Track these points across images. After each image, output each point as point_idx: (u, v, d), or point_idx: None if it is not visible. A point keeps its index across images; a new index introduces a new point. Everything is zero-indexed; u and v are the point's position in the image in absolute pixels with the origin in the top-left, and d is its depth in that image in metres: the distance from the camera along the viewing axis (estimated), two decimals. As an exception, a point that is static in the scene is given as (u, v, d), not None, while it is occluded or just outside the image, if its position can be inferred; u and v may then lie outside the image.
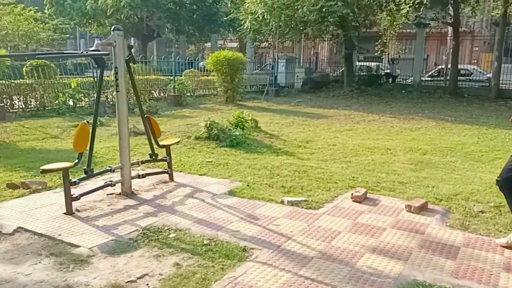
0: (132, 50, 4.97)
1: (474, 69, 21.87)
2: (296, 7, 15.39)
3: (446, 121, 12.14)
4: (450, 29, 20.81)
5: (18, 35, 23.21)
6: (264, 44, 20.48)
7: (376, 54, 22.80)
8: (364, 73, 21.75)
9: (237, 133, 7.95)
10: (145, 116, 5.37)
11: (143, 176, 5.30)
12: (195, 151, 7.51)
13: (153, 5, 22.61)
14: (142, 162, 5.31)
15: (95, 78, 13.05)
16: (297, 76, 21.24)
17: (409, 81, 22.96)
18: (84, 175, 4.68)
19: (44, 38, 25.61)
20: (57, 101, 12.10)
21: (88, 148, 4.69)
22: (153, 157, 5.50)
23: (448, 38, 21.94)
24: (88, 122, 4.72)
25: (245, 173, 6.19)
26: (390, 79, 22.14)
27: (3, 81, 11.23)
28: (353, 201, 4.98)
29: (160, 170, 5.75)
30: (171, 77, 15.58)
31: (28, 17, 22.97)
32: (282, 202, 4.88)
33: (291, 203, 4.82)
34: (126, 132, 4.97)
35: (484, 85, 20.50)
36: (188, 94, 15.14)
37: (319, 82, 21.07)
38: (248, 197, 5.08)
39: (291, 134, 9.75)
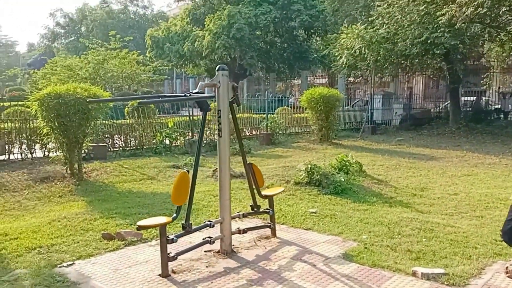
0: (243, 89, 4.48)
1: None
2: (396, 40, 14.41)
3: None
4: None
5: (122, 77, 24.78)
6: (357, 79, 19.56)
7: (483, 88, 20.75)
8: (470, 109, 19.77)
9: (342, 179, 7.10)
10: (248, 163, 4.79)
11: (244, 231, 4.67)
12: (296, 198, 6.78)
13: (246, 45, 22.97)
14: (244, 216, 4.70)
15: (191, 117, 13.09)
16: (395, 113, 19.90)
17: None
18: (182, 231, 4.16)
19: (145, 79, 27.15)
20: (154, 140, 12.23)
21: (187, 200, 4.19)
22: (255, 209, 4.87)
23: None
24: (188, 171, 4.24)
25: (358, 229, 5.30)
26: (502, 115, 19.86)
27: (106, 122, 11.61)
28: (508, 276, 3.87)
29: (262, 224, 5.09)
30: (263, 115, 15.25)
31: (131, 60, 24.48)
32: (414, 274, 3.92)
33: (427, 277, 3.85)
34: (227, 182, 4.41)
35: None
36: (280, 132, 14.63)
37: (420, 118, 19.50)
38: (369, 264, 4.19)
39: (401, 179, 8.65)
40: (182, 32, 26.65)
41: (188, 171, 4.26)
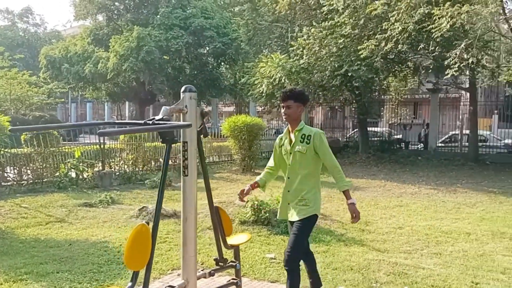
0: (205, 119, 3.63)
1: (489, 134, 21.15)
2: (314, 71, 14.57)
3: (495, 193, 10.90)
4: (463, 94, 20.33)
5: (10, 99, 21.91)
6: (273, 109, 19.49)
7: (392, 120, 22.12)
8: (376, 139, 20.80)
9: (292, 217, 6.45)
10: (215, 206, 3.91)
11: (211, 293, 3.74)
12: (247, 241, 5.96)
13: (156, 69, 21.81)
14: (211, 274, 3.76)
15: (102, 146, 11.61)
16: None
17: (419, 147, 22.11)
18: (138, 304, 3.11)
19: (37, 102, 24.37)
20: (57, 173, 10.53)
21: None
22: (221, 263, 3.97)
23: (462, 103, 21.44)
24: (147, 223, 3.24)
25: (330, 277, 4.68)
26: (403, 145, 21.19)
27: (-1, 151, 9.71)
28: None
29: (227, 281, 4.18)
30: (179, 143, 14.20)
31: (21, 81, 21.81)
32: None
33: None
34: (193, 234, 3.48)
35: (501, 152, 19.68)
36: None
37: (331, 147, 19.96)
38: (367, 326, 3.54)
39: (340, 212, 8.29)
40: (82, 53, 24.55)
41: (147, 223, 3.26)
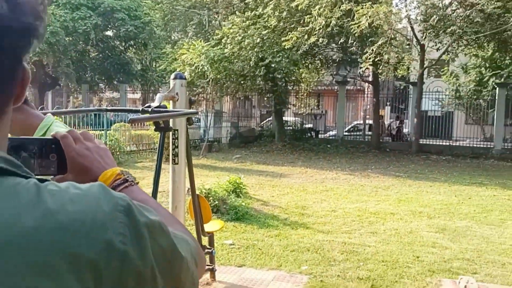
0: (192, 107, 3.60)
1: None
2: (236, 60, 14.74)
3: (402, 177, 12.15)
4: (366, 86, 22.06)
5: None
6: (195, 96, 19.29)
7: (305, 110, 23.16)
8: (288, 128, 21.70)
9: (242, 203, 6.63)
10: (197, 194, 3.91)
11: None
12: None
13: (61, 51, 20.20)
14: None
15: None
16: (227, 131, 20.33)
17: (327, 135, 23.57)
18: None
19: None
20: None
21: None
22: (200, 251, 3.99)
23: (366, 95, 23.20)
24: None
25: (291, 259, 4.93)
26: (314, 134, 22.41)
27: None
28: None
29: (203, 267, 4.20)
30: (99, 132, 13.51)
31: None
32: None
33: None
34: (183, 222, 3.46)
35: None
36: (122, 151, 13.17)
37: (247, 136, 20.40)
38: (343, 301, 3.86)
39: (275, 198, 8.63)
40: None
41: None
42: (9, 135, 0.67)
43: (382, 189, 10.36)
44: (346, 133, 23.25)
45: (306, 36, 12.57)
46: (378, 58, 11.84)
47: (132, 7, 22.64)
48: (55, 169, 0.80)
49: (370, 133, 21.33)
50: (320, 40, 12.33)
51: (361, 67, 12.95)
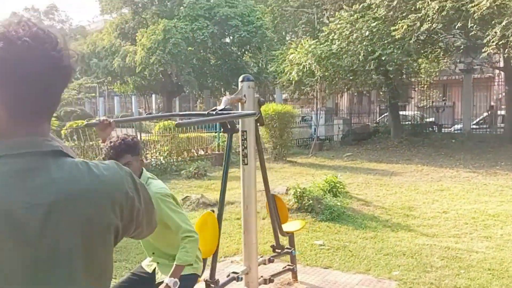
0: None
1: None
2: (344, 56, 14.35)
3: (539, 175, 10.60)
4: (496, 73, 19.70)
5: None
6: (302, 96, 19.35)
7: (423, 103, 21.67)
8: (407, 123, 20.42)
9: (337, 203, 6.46)
10: (271, 194, 3.94)
11: (271, 280, 3.78)
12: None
13: (183, 61, 21.93)
14: (270, 261, 3.81)
15: (140, 139, 11.78)
16: (339, 128, 19.93)
17: (452, 129, 21.61)
18: (206, 291, 3.19)
19: (68, 97, 24.89)
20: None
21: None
22: (278, 250, 4.01)
23: (496, 83, 20.78)
24: (213, 211, 3.30)
25: (383, 263, 4.65)
26: (436, 128, 20.76)
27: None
28: None
29: (283, 268, 4.21)
30: (213, 133, 14.33)
31: (53, 76, 22.30)
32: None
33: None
34: (254, 222, 3.52)
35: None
36: (233, 151, 13.75)
37: (360, 133, 19.71)
38: (431, 311, 3.52)
39: (380, 198, 8.22)
40: (110, 47, 24.91)
41: (213, 211, 3.32)
42: None
43: (509, 188, 9.17)
44: (474, 126, 21.06)
45: (418, 24, 11.69)
46: (503, 41, 10.47)
47: (245, 13, 23.54)
48: None
49: (503, 125, 19.00)
50: (434, 25, 11.33)
51: (483, 51, 11.60)
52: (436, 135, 19.22)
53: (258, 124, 3.68)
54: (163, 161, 11.96)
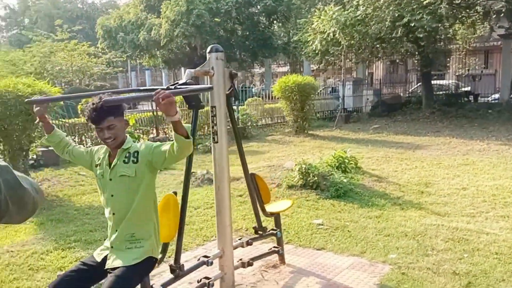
0: (235, 81, 3.35)
1: None
2: (371, 23, 13.60)
3: None
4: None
5: (72, 71, 22.80)
6: (328, 66, 18.69)
7: (460, 71, 20.51)
8: (441, 93, 19.41)
9: (343, 179, 6.13)
10: (250, 173, 3.69)
11: (250, 263, 3.58)
12: (294, 206, 5.73)
13: (207, 33, 21.58)
14: (249, 244, 3.60)
15: (155, 113, 11.75)
16: (367, 99, 19.21)
17: (490, 99, 20.41)
18: (170, 276, 3.02)
19: (97, 72, 25.18)
20: (114, 141, 10.83)
21: (176, 234, 3.05)
22: (260, 231, 3.79)
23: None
24: (175, 193, 3.11)
25: (381, 245, 4.35)
26: (472, 98, 19.65)
27: (56, 122, 10.09)
28: None
29: (268, 250, 4.00)
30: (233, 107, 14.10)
31: (81, 52, 22.52)
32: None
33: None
34: (227, 204, 3.30)
35: None
36: (253, 125, 13.52)
37: (391, 104, 18.91)
38: (418, 300, 3.23)
39: (398, 173, 7.80)
40: (136, 20, 24.82)
41: (175, 193, 3.12)
42: None
43: (542, 162, 8.50)
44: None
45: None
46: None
47: (271, -20, 22.77)
48: None
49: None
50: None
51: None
52: (471, 106, 18.19)
53: (234, 98, 3.40)
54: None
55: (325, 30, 14.03)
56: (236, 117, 13.43)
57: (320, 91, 20.38)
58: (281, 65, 37.12)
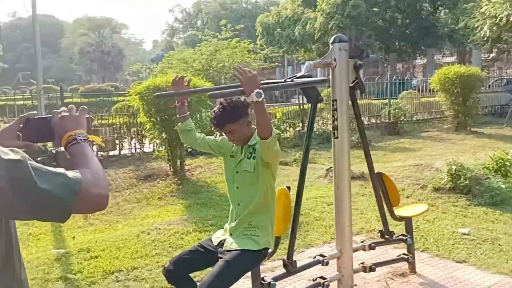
0: (361, 72, 3.13)
1: None
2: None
3: None
4: None
5: (233, 67, 24.57)
6: (499, 55, 16.38)
7: None
8: None
9: (502, 185, 5.30)
10: (377, 172, 3.43)
11: (372, 269, 3.34)
12: (437, 211, 5.19)
13: (362, 23, 20.96)
14: (371, 247, 3.36)
15: (301, 106, 11.89)
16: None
17: None
18: (283, 271, 3.01)
19: (255, 67, 26.65)
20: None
21: (289, 228, 3.02)
22: (387, 236, 3.50)
23: None
24: (288, 188, 3.07)
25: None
26: None
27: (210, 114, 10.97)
28: None
29: (395, 256, 3.68)
30: (384, 101, 13.40)
31: (242, 49, 24.06)
32: None
33: None
34: (347, 203, 3.12)
35: None
36: (406, 119, 12.62)
37: None
38: None
39: None
40: (293, 16, 25.48)
41: (288, 188, 3.08)
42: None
43: None
44: None
45: None
46: None
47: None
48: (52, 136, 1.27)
49: None
50: None
51: None
52: None
53: (359, 90, 3.18)
54: (327, 129, 11.79)
55: (497, 14, 12.27)
56: (387, 111, 12.84)
57: (492, 83, 18.00)
58: (447, 55, 33.97)
